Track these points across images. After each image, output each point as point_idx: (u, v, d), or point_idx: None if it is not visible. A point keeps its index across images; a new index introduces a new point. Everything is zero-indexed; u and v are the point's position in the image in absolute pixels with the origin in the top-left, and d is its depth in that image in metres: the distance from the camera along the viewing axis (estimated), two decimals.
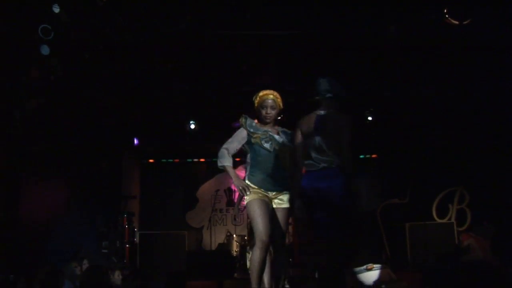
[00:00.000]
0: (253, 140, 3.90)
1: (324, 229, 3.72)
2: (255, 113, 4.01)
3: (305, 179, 3.76)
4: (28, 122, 5.98)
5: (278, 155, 3.90)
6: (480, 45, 6.17)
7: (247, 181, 3.89)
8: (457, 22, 5.47)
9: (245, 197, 3.84)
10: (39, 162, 7.16)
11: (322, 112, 3.82)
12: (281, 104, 3.98)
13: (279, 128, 4.03)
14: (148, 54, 6.33)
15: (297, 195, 3.79)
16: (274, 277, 3.93)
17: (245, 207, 3.95)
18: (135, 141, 9.11)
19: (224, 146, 3.96)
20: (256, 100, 3.98)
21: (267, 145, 3.88)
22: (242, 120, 4.00)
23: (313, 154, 3.73)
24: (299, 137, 3.86)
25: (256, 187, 3.84)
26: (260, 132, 3.92)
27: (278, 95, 3.98)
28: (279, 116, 4.06)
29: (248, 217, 3.97)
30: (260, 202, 3.78)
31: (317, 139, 3.73)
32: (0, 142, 6.39)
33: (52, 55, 5.23)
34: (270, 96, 3.95)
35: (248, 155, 3.97)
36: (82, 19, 5.32)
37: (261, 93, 3.97)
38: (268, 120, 3.96)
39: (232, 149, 3.94)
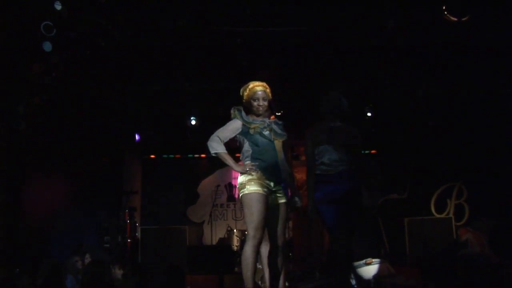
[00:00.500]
0: (251, 131, 3.80)
1: (343, 228, 3.99)
2: (245, 105, 3.91)
3: (326, 183, 4.06)
4: (31, 118, 6.02)
5: (276, 145, 3.85)
6: (480, 42, 6.20)
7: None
8: (455, 19, 5.49)
9: (245, 188, 3.73)
10: (41, 158, 7.21)
11: (332, 124, 4.17)
12: (270, 95, 3.90)
13: (271, 120, 3.94)
14: (149, 50, 6.37)
15: (311, 198, 4.08)
16: (273, 273, 3.88)
17: None
18: (137, 137, 9.15)
19: (215, 133, 3.84)
20: (246, 93, 3.89)
21: (267, 134, 3.82)
22: (235, 112, 3.89)
23: (328, 160, 4.07)
24: (310, 146, 4.16)
25: (258, 176, 3.72)
26: (258, 122, 3.84)
27: (267, 86, 3.91)
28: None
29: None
30: (259, 196, 3.68)
31: (331, 148, 4.08)
32: (3, 138, 6.43)
33: (54, 52, 5.27)
34: (260, 88, 3.86)
35: (246, 146, 3.85)
36: (84, 15, 5.36)
37: (250, 85, 3.89)
38: (260, 112, 3.87)
39: (224, 138, 3.82)
